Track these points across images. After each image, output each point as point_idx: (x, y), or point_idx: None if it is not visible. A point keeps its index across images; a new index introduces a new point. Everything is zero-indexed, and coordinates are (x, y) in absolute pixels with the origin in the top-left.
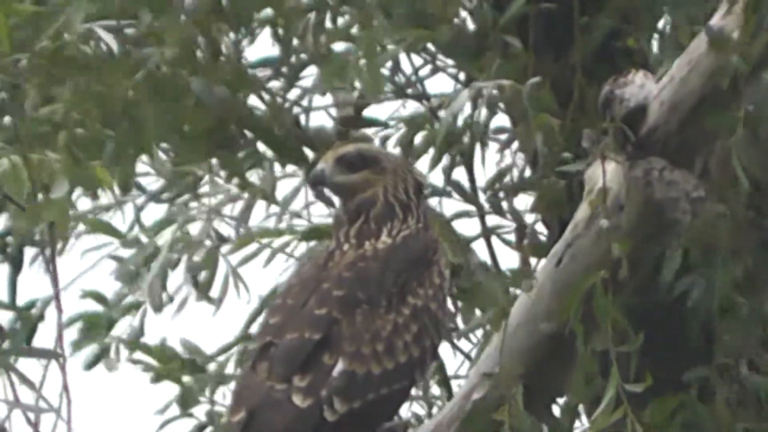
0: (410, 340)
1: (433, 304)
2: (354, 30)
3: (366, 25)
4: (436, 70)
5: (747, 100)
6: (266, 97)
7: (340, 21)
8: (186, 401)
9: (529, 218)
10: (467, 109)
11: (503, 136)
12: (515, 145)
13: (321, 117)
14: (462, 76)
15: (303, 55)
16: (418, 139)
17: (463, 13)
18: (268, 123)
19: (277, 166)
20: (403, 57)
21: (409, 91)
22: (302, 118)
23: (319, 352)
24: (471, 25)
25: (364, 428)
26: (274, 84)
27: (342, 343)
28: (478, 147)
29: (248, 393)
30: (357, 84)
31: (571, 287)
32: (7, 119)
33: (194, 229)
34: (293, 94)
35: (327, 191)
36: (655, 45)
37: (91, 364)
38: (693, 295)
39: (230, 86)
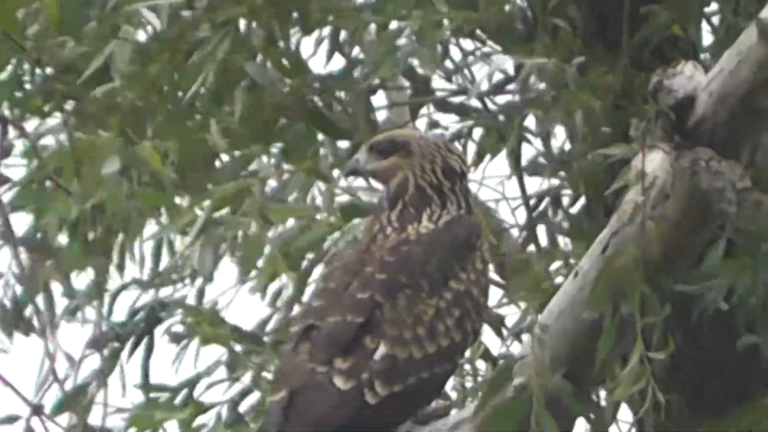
0: (452, 324)
1: (475, 289)
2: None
3: (420, 5)
4: (484, 56)
5: None
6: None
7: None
8: (234, 365)
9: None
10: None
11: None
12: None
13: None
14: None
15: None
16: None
17: None
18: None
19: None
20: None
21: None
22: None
23: (361, 336)
24: (520, 10)
25: (405, 411)
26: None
27: (384, 326)
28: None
29: (290, 374)
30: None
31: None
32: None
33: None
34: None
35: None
36: (706, 36)
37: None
38: (737, 288)
39: (285, 73)
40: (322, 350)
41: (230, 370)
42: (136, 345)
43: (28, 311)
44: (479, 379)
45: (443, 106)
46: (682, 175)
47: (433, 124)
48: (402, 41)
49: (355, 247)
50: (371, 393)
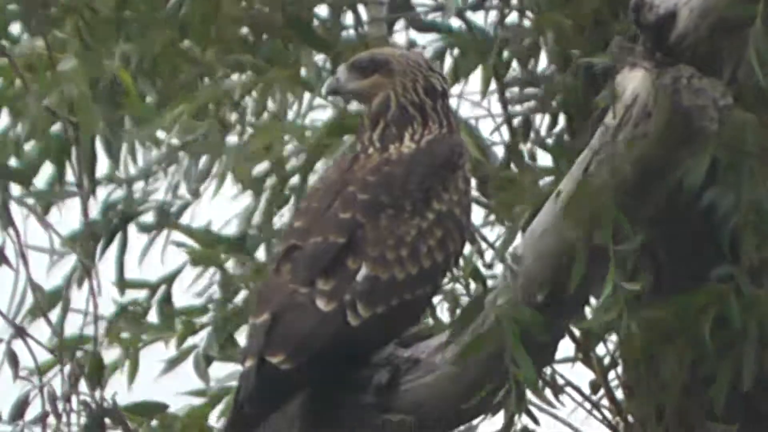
0: (434, 245)
1: (458, 209)
2: None
3: None
4: None
5: None
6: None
7: None
8: (227, 285)
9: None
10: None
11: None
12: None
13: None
14: None
15: None
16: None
17: None
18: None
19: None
20: None
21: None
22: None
23: (342, 256)
24: None
25: (388, 333)
26: None
27: (366, 247)
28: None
29: (272, 295)
30: None
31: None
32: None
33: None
34: None
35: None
36: None
37: None
38: (721, 206)
39: None
40: (304, 271)
41: (223, 291)
42: (108, 243)
43: None
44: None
45: (418, 24)
46: (663, 92)
47: (412, 44)
48: None
49: (337, 166)
50: (353, 315)
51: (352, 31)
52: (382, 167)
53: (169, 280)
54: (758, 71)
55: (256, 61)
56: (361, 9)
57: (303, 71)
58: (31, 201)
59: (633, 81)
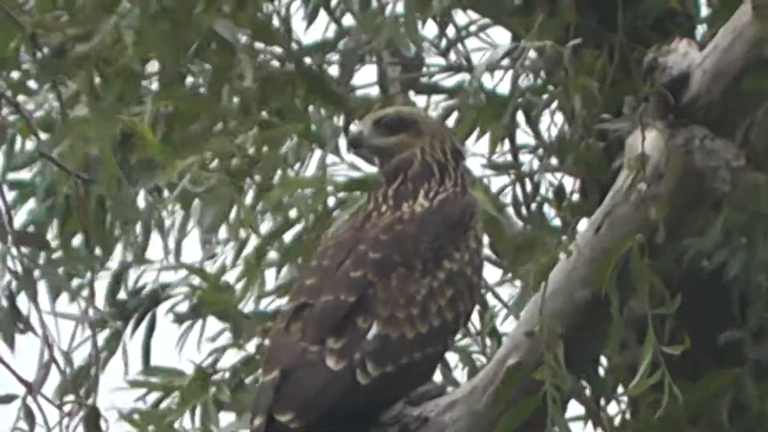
0: (444, 304)
1: (469, 269)
2: None
3: None
4: (480, 28)
5: None
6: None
7: None
8: (238, 331)
9: (567, 183)
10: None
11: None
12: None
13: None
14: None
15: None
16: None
17: None
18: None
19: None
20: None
21: (453, 58)
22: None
23: (353, 315)
24: None
25: (398, 392)
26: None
27: (377, 306)
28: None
29: (281, 353)
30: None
31: (609, 255)
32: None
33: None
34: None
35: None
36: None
37: None
38: (732, 267)
39: (255, 34)
40: (315, 329)
41: (235, 336)
42: (137, 325)
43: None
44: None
45: (430, 88)
46: (676, 153)
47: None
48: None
49: (349, 224)
50: (363, 373)
51: (363, 90)
52: (395, 226)
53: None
54: None
55: (269, 117)
56: (372, 68)
57: (313, 126)
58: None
59: (645, 142)
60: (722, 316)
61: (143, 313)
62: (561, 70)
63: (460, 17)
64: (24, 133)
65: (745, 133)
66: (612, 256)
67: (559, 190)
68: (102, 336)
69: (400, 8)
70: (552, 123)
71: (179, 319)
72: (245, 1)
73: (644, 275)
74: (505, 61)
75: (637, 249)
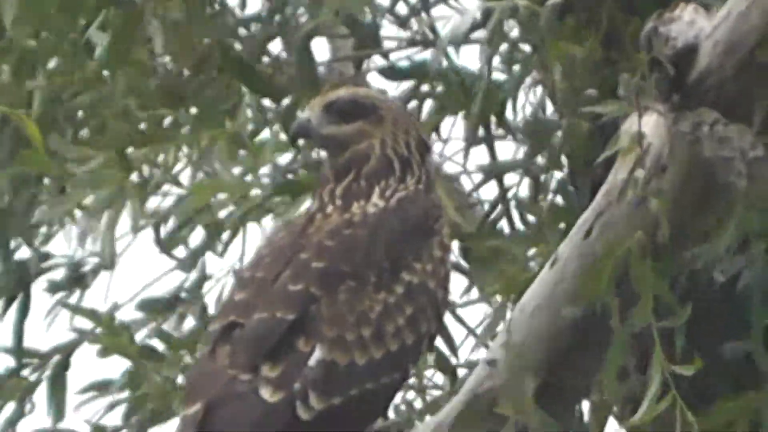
0: (403, 324)
1: (432, 282)
2: None
3: None
4: None
5: None
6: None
7: None
8: (136, 379)
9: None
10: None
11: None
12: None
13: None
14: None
15: None
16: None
17: None
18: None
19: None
20: None
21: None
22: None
23: (292, 337)
24: None
25: (346, 429)
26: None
27: (321, 326)
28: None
29: (205, 383)
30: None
31: (603, 262)
32: None
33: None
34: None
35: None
36: None
37: None
38: (748, 278)
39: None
40: (246, 354)
41: (132, 385)
42: (9, 303)
43: None
44: (434, 393)
45: (390, 72)
46: (681, 142)
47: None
48: None
49: (289, 228)
50: (304, 407)
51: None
52: (343, 230)
53: (68, 349)
54: None
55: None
56: (324, 44)
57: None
58: None
59: (645, 128)
60: (734, 332)
61: (14, 290)
62: (537, 35)
63: None
64: None
65: (764, 118)
66: (607, 261)
67: (535, 185)
68: None
69: None
70: (526, 102)
71: (53, 288)
72: None
73: (647, 280)
74: (481, 33)
75: (638, 250)
